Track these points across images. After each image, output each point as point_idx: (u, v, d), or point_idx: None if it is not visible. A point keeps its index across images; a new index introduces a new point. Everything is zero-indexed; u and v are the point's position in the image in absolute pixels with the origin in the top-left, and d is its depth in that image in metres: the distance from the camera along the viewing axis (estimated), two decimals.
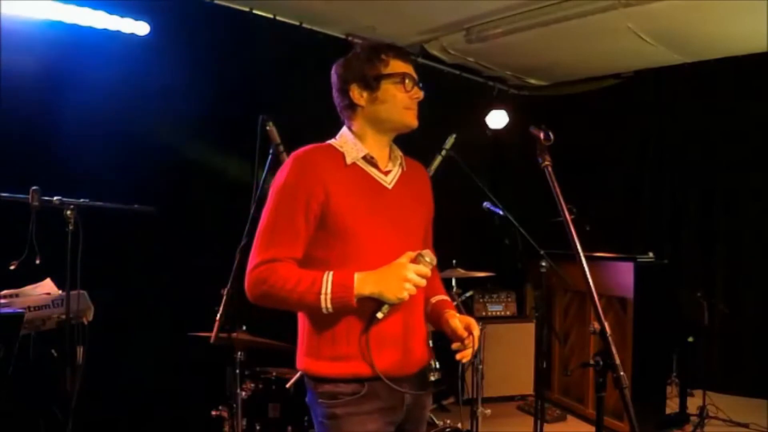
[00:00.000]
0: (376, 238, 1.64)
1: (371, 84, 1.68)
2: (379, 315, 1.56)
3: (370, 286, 1.54)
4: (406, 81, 1.69)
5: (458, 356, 1.67)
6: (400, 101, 1.69)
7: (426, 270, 1.58)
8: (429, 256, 1.59)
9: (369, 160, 1.70)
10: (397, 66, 1.69)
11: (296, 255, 1.61)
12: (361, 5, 4.04)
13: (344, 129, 1.76)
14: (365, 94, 1.69)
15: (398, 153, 1.79)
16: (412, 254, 1.58)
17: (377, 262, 1.59)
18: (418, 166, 1.90)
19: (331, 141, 1.75)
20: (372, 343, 1.61)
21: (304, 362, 1.71)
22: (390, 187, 1.71)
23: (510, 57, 5.24)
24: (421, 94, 1.71)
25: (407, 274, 1.54)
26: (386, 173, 1.73)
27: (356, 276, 1.54)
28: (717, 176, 5.18)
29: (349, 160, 1.67)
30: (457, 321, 1.71)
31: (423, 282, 1.58)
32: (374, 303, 1.58)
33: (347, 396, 1.62)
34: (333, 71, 1.76)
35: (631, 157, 5.63)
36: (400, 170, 1.77)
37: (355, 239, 1.62)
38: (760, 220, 4.96)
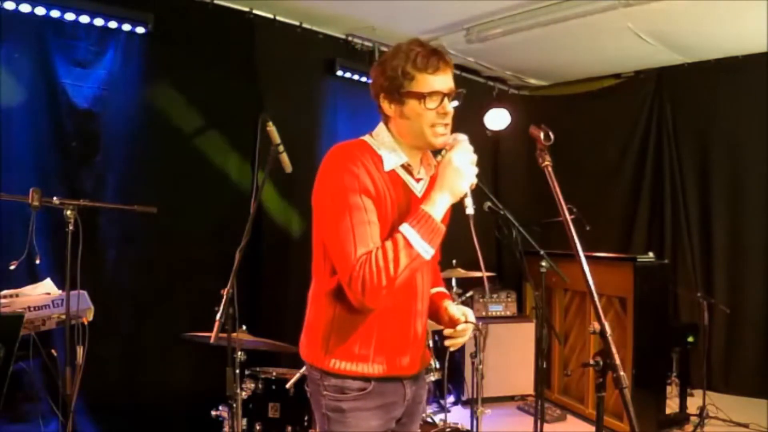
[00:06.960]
0: None
1: (397, 98, 1.63)
2: (469, 211, 1.62)
3: (441, 197, 1.59)
4: (428, 100, 1.60)
5: (447, 342, 1.68)
6: (425, 119, 1.62)
7: (468, 146, 1.63)
8: (459, 136, 1.65)
9: (406, 167, 1.69)
10: (422, 82, 1.60)
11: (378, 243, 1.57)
12: (361, 5, 4.04)
13: (382, 126, 1.71)
14: (393, 107, 1.65)
15: (432, 161, 1.76)
16: (452, 142, 1.64)
17: None
18: None
19: (367, 138, 1.71)
20: (386, 348, 1.66)
21: (312, 354, 1.71)
22: (420, 195, 1.70)
23: (510, 57, 5.24)
24: (447, 110, 1.62)
25: (459, 166, 1.59)
26: (418, 180, 1.71)
27: (426, 207, 1.57)
28: (717, 176, 5.17)
29: (387, 167, 1.64)
30: (455, 309, 1.74)
31: (474, 156, 1.63)
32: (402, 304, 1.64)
33: (354, 392, 1.65)
34: (371, 71, 1.71)
35: (631, 157, 5.61)
36: (430, 176, 1.75)
37: None
38: (760, 220, 4.95)
